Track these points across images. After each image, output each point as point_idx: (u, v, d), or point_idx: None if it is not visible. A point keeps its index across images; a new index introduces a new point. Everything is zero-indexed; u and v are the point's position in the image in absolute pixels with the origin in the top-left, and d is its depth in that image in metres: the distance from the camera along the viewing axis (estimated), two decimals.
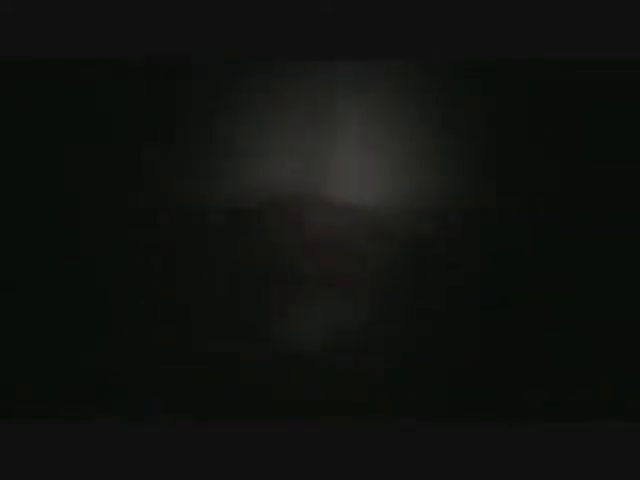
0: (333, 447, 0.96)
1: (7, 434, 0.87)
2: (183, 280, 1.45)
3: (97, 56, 0.98)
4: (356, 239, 1.60)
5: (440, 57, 1.18)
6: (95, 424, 0.91)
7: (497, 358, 1.32)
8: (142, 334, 1.34)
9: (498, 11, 1.10)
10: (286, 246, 1.49)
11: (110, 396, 1.20)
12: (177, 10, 0.99)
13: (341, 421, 1.13)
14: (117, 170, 1.18)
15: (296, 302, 1.48)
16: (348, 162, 1.43)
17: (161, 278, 1.41)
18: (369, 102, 1.37)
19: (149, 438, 0.86)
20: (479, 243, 1.59)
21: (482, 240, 1.60)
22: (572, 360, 1.30)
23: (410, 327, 1.47)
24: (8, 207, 1.11)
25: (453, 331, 1.40)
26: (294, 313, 1.51)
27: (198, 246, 1.42)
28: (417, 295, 1.58)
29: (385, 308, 1.48)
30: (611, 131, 1.65)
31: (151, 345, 1.33)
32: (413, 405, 1.22)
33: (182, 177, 1.27)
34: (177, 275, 1.43)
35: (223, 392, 1.29)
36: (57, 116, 1.11)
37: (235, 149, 1.24)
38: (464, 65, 1.31)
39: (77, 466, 0.82)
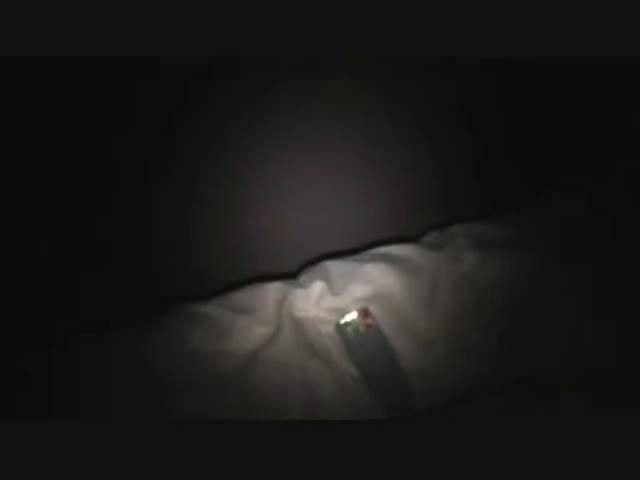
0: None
1: (6, 434, 0.89)
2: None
3: (97, 56, 0.97)
4: None
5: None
6: (95, 424, 0.94)
7: None
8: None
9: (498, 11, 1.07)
10: None
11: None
12: (177, 10, 0.97)
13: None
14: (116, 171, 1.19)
15: None
16: None
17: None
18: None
19: (149, 438, 0.89)
20: None
21: None
22: None
23: None
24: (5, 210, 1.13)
25: None
26: None
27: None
28: None
29: None
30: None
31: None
32: None
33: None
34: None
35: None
36: (56, 116, 1.11)
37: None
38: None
39: (76, 467, 0.85)
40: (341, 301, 1.43)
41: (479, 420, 1.06)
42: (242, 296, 1.43)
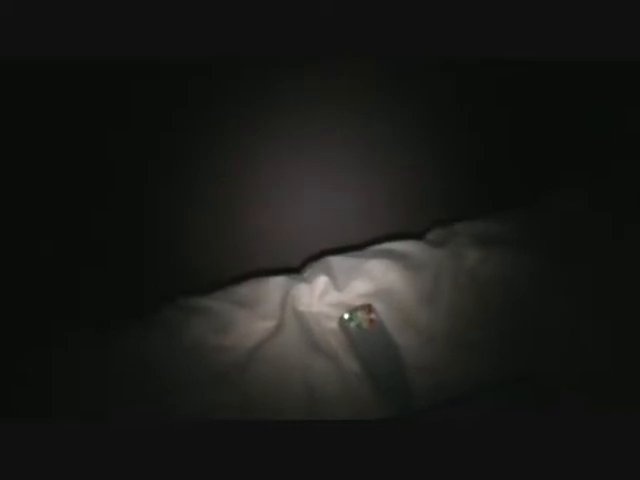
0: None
1: (6, 434, 0.89)
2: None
3: (97, 56, 0.97)
4: None
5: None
6: (95, 424, 0.94)
7: None
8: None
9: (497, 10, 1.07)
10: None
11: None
12: (177, 10, 0.97)
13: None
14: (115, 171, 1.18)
15: None
16: None
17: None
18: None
19: (149, 438, 0.89)
20: None
21: None
22: None
23: None
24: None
25: None
26: None
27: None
28: None
29: None
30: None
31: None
32: None
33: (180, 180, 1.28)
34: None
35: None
36: (56, 116, 1.11)
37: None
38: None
39: (76, 467, 0.84)
40: (344, 296, 1.44)
41: (479, 420, 1.06)
42: (244, 290, 1.43)
